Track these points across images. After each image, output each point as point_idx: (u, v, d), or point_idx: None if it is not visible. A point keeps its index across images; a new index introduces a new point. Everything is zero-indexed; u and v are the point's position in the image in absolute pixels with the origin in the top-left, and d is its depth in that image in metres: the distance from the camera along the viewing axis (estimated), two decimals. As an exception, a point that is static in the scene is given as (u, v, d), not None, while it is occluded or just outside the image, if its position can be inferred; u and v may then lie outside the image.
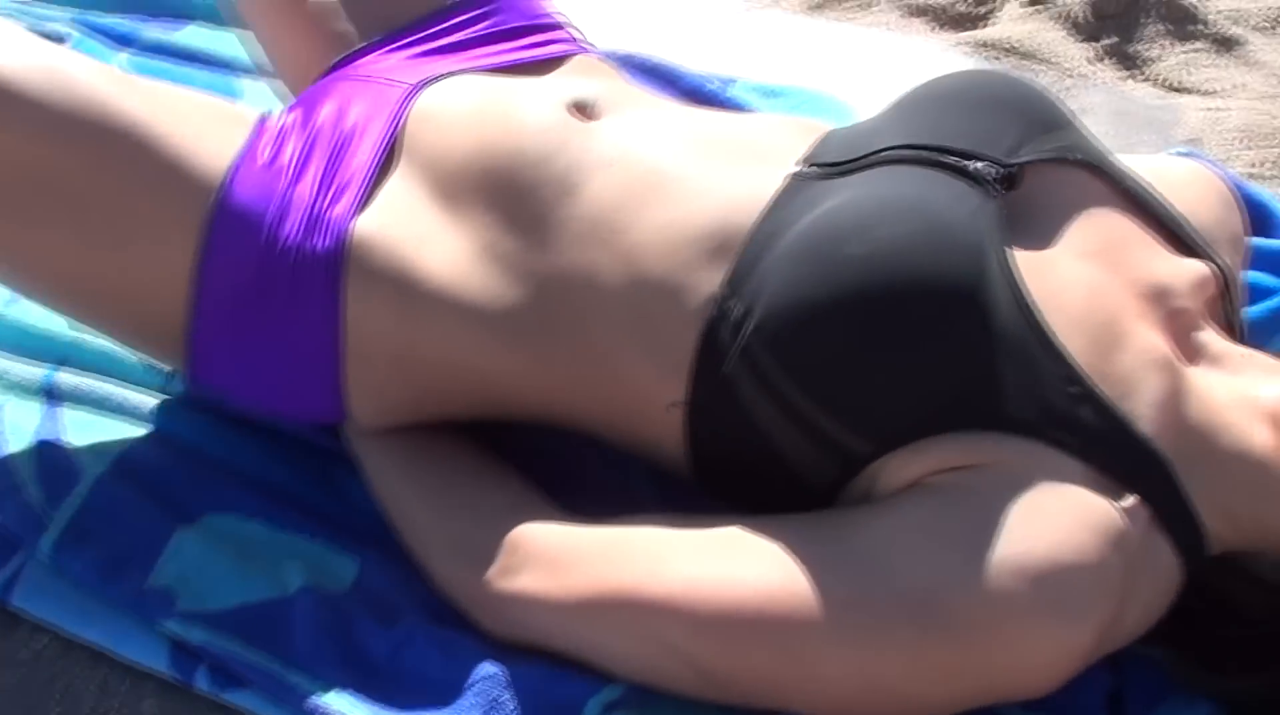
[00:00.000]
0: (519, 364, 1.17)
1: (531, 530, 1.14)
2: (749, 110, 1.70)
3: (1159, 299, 1.11)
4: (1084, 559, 0.98)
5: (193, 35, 1.85)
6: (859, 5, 1.97)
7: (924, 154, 1.13)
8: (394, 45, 1.38)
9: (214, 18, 1.87)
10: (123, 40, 1.83)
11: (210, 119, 1.26)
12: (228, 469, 1.30)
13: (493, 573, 1.13)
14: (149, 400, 1.35)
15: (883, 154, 1.14)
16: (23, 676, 1.17)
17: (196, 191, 1.19)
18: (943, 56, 1.86)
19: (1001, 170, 1.12)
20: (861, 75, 1.84)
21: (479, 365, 1.19)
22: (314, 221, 1.20)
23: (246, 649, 1.15)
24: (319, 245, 1.19)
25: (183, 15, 1.88)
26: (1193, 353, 1.11)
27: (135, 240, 1.19)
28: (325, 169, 1.23)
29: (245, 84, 1.78)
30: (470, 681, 1.11)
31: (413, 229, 1.20)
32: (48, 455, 1.29)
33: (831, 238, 1.07)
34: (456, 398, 1.22)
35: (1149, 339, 1.08)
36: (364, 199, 1.21)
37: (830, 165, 1.15)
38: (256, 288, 1.19)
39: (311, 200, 1.21)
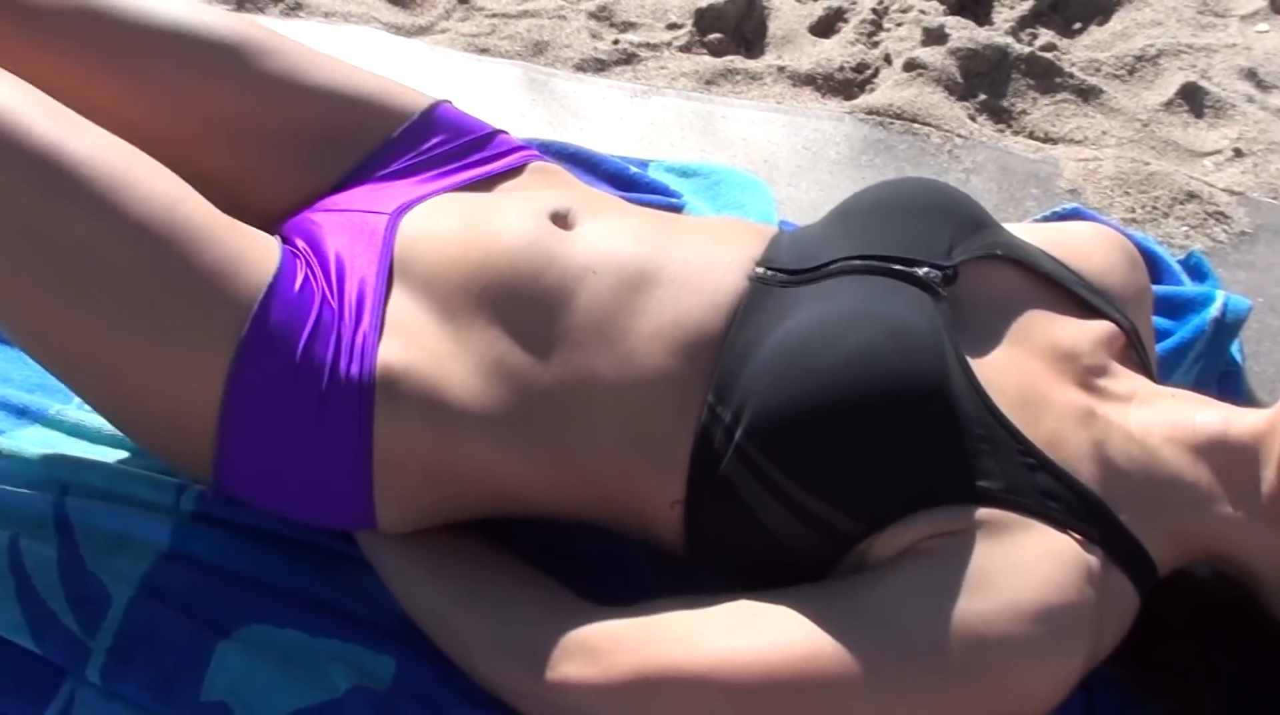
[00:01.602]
0: (535, 471, 1.26)
1: (568, 620, 1.22)
2: (672, 193, 1.81)
3: (1071, 360, 1.27)
4: (1067, 597, 1.13)
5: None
6: (747, 79, 2.09)
7: (875, 264, 1.26)
8: (356, 182, 1.45)
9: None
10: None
11: (254, 232, 1.31)
12: (251, 581, 1.35)
13: (535, 666, 1.21)
14: (161, 521, 1.38)
15: (838, 264, 1.27)
16: (97, 800, 1.22)
17: (240, 301, 1.24)
18: (840, 126, 1.99)
19: (942, 273, 1.26)
20: (767, 150, 1.96)
21: (500, 473, 1.27)
22: (340, 345, 1.26)
23: (309, 753, 1.22)
24: (351, 370, 1.25)
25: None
26: (1108, 399, 1.26)
27: (174, 340, 1.24)
28: (335, 296, 1.30)
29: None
30: (526, 765, 1.20)
31: (429, 351, 1.27)
32: (75, 582, 1.33)
33: (808, 347, 1.19)
34: (478, 501, 1.30)
35: (1067, 397, 1.23)
36: (380, 323, 1.28)
37: (789, 273, 1.27)
38: (287, 403, 1.25)
39: (337, 324, 1.27)
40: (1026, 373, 1.24)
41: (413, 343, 1.28)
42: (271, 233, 1.41)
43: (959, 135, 1.96)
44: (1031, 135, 2.03)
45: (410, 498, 1.29)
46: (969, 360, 1.21)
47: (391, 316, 1.30)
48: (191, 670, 1.27)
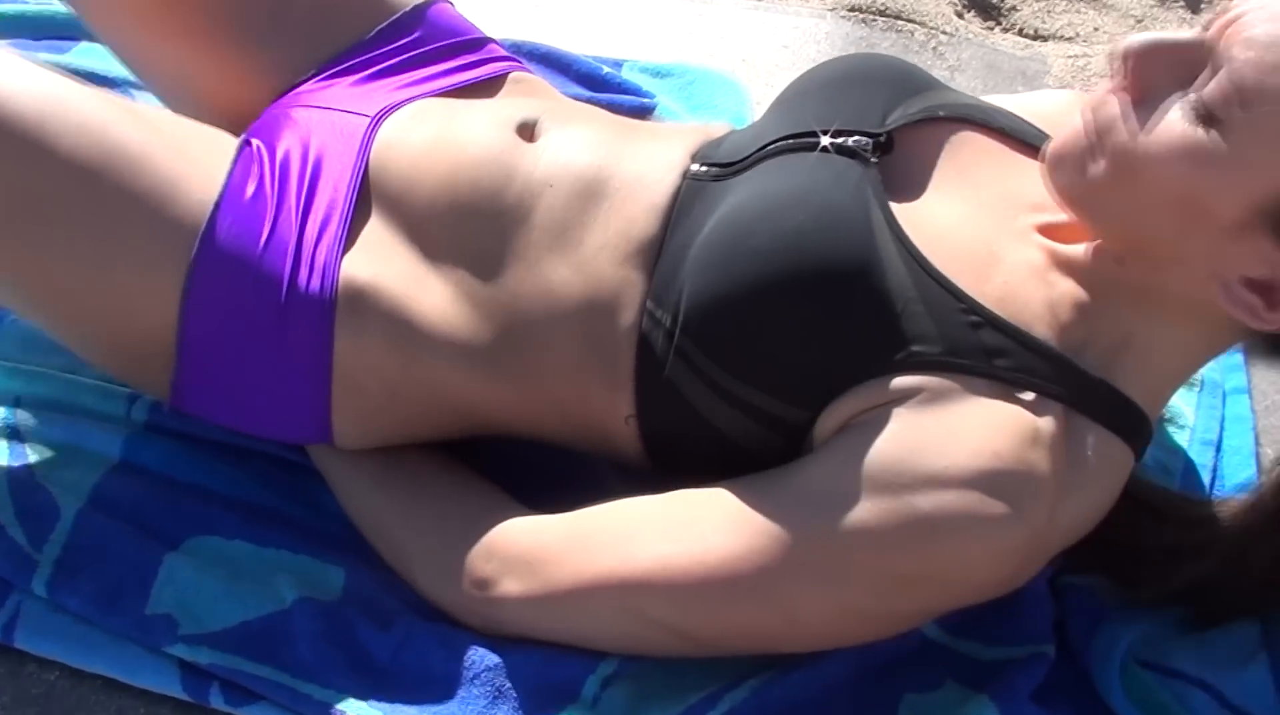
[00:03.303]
0: (498, 390, 1.25)
1: (504, 534, 1.22)
2: (644, 94, 1.77)
3: (1031, 211, 1.21)
4: (1003, 464, 1.08)
5: (83, 54, 1.84)
6: (729, -25, 2.04)
7: (802, 141, 1.23)
8: (333, 72, 1.42)
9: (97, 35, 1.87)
10: (14, 65, 1.82)
11: (201, 145, 1.29)
12: (201, 492, 1.33)
13: (473, 583, 1.21)
14: (113, 431, 1.37)
15: (766, 149, 1.24)
16: (40, 712, 1.21)
17: (185, 219, 1.23)
18: (820, 23, 1.93)
19: (872, 140, 1.22)
20: (745, 49, 1.91)
21: (463, 393, 1.26)
22: (300, 258, 1.24)
23: (255, 664, 1.21)
24: (310, 286, 1.24)
25: (69, 36, 1.88)
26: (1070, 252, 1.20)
27: (124, 265, 1.23)
28: (300, 202, 1.28)
29: (143, 98, 1.79)
30: (473, 674, 1.19)
31: (395, 268, 1.26)
32: (24, 495, 1.31)
33: (733, 236, 1.17)
34: (440, 422, 1.29)
35: (1022, 253, 1.18)
36: (345, 237, 1.26)
37: (722, 166, 1.25)
38: (244, 319, 1.24)
39: (297, 236, 1.25)
40: (977, 229, 1.19)
41: (379, 258, 1.26)
42: (248, 121, 1.40)
43: (944, 32, 1.91)
44: (1020, 32, 1.97)
45: (370, 416, 1.28)
46: (904, 226, 1.16)
47: (359, 229, 1.28)
48: (137, 583, 1.26)
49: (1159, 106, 1.07)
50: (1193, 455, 1.43)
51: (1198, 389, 1.49)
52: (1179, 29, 1.11)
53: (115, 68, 1.81)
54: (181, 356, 1.25)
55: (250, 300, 1.24)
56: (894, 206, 1.18)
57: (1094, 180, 1.11)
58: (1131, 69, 1.08)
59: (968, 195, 1.22)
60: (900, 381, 1.12)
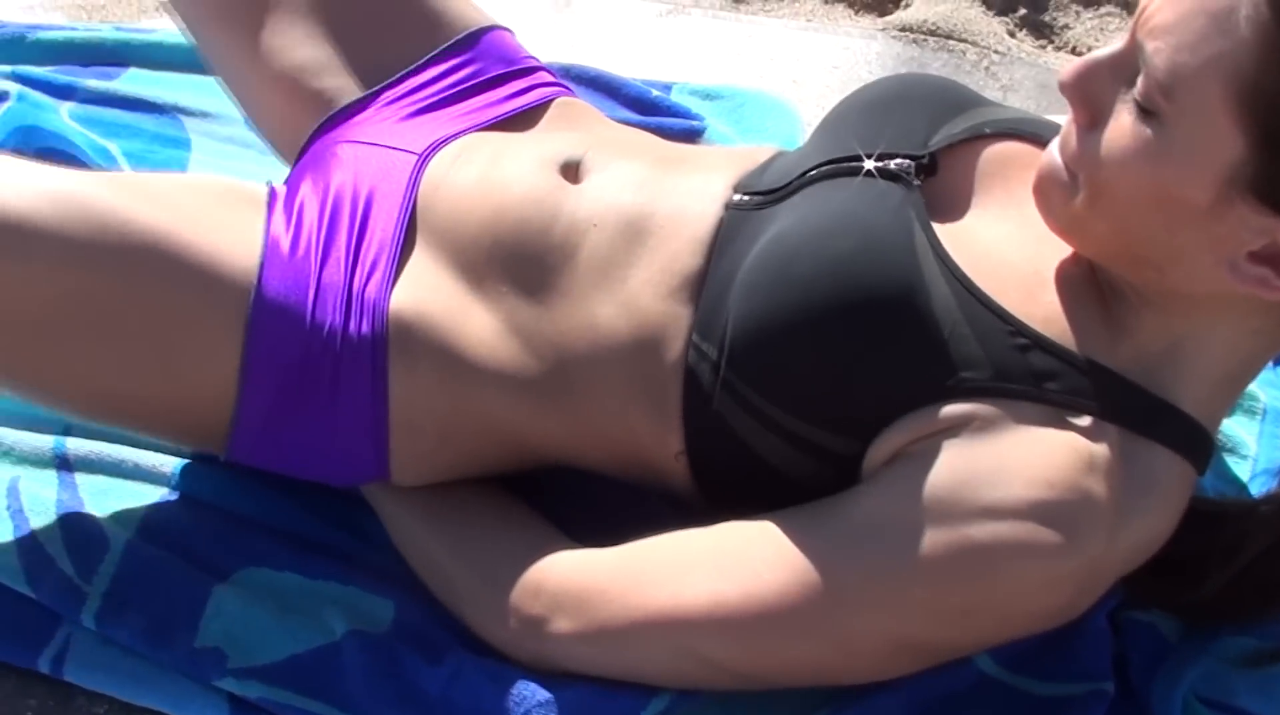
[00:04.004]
0: (549, 424, 1.24)
1: (554, 569, 1.20)
2: (694, 117, 1.75)
3: None
4: (1057, 494, 1.06)
5: (132, 80, 1.85)
6: (778, -2, 2.03)
7: (844, 166, 1.21)
8: (385, 102, 1.41)
9: (150, 60, 1.88)
10: (63, 92, 1.82)
11: (227, 210, 1.28)
12: (251, 524, 1.33)
13: (523, 620, 1.19)
14: (162, 461, 1.37)
15: (808, 175, 1.22)
16: (89, 747, 1.21)
17: (232, 292, 1.22)
18: (871, 44, 1.92)
19: (915, 162, 1.20)
20: (795, 71, 1.90)
21: (515, 428, 1.25)
22: (350, 303, 1.24)
23: (304, 699, 1.20)
24: (361, 329, 1.23)
25: (118, 61, 1.89)
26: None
27: (179, 352, 1.22)
28: (350, 245, 1.27)
29: (192, 125, 1.80)
30: (524, 710, 1.17)
31: (443, 304, 1.25)
32: (73, 526, 1.31)
33: (777, 265, 1.15)
34: (492, 458, 1.29)
35: (1067, 270, 1.16)
36: (393, 275, 1.26)
37: (764, 194, 1.23)
38: (301, 375, 1.23)
39: (346, 282, 1.25)
40: (1022, 249, 1.17)
41: (427, 296, 1.26)
42: (304, 129, 1.40)
43: (996, 51, 1.89)
44: (1074, 50, 1.95)
45: (427, 456, 1.27)
46: (950, 247, 1.14)
47: (409, 268, 1.28)
48: (187, 615, 1.25)
49: (1109, 119, 1.06)
50: (1255, 486, 1.40)
51: (1260, 418, 1.46)
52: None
53: (165, 94, 1.83)
54: (239, 420, 1.24)
55: (305, 353, 1.23)
56: (938, 228, 1.16)
57: (1075, 209, 1.10)
58: (1071, 98, 1.08)
59: (1012, 214, 1.20)
60: (950, 410, 1.10)
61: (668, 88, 1.83)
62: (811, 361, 1.13)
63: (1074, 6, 2.00)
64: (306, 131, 1.42)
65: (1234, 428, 1.44)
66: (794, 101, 1.81)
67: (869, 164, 1.21)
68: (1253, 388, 1.42)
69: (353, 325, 1.23)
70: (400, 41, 1.44)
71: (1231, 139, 1.01)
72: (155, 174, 1.32)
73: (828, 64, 1.88)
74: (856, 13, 2.00)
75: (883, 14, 1.99)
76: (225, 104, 1.78)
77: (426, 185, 1.31)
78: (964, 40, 1.90)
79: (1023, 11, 1.99)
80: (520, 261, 1.25)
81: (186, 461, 1.37)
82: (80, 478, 1.36)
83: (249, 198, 1.31)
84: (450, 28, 1.45)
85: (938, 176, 1.21)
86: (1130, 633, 1.25)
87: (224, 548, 1.30)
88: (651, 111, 1.76)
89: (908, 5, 1.99)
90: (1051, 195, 1.12)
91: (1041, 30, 1.99)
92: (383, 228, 1.29)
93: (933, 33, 1.91)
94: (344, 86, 1.43)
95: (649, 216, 1.24)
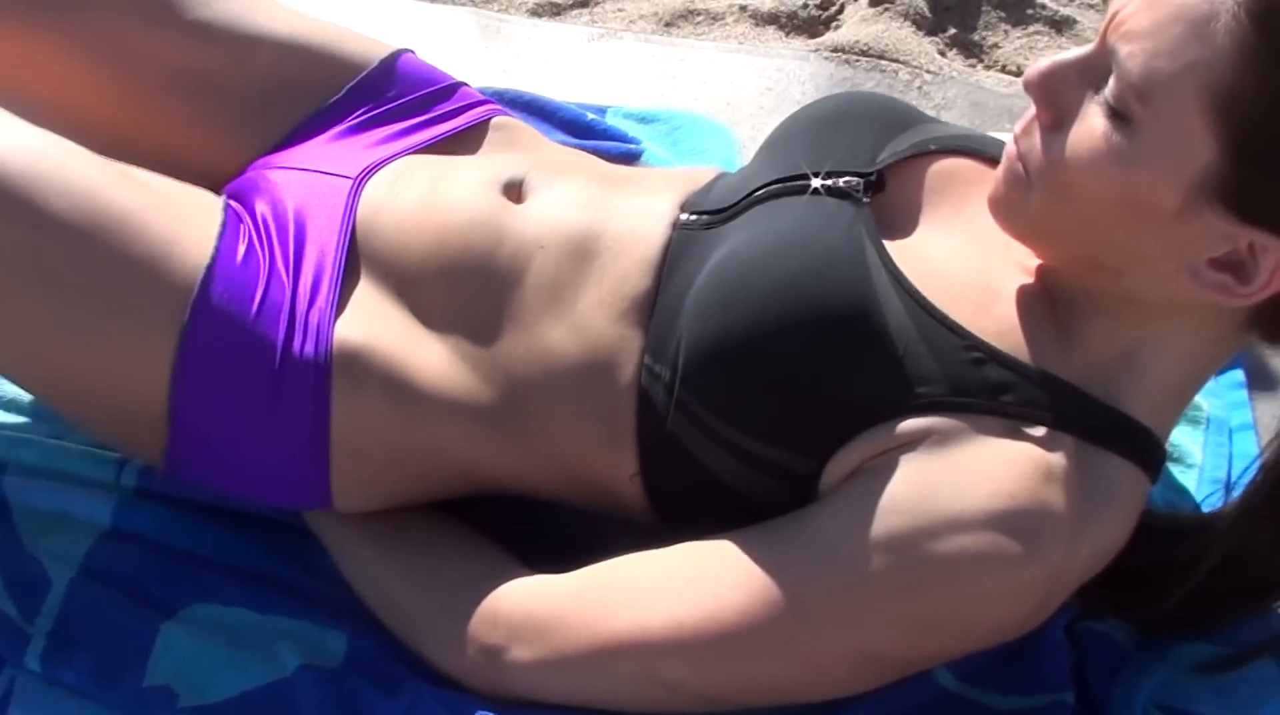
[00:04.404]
0: (500, 452, 1.23)
1: (510, 597, 1.19)
2: (630, 140, 1.75)
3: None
4: (1018, 504, 1.06)
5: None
6: (709, 19, 2.03)
7: (791, 185, 1.21)
8: (313, 133, 1.40)
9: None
10: None
11: (193, 207, 1.26)
12: (196, 559, 1.30)
13: (481, 649, 1.18)
14: (102, 498, 1.33)
15: (756, 194, 1.22)
16: (36, 793, 1.17)
17: (176, 283, 1.20)
18: (804, 65, 1.92)
19: (864, 179, 1.20)
20: (729, 93, 1.90)
21: (464, 454, 1.23)
22: (294, 323, 1.22)
23: (258, 736, 1.18)
24: (305, 350, 1.21)
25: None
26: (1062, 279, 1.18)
27: (115, 329, 1.20)
28: (290, 266, 1.25)
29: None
30: (485, 740, 1.16)
31: (391, 333, 1.23)
32: (12, 566, 1.28)
33: (729, 284, 1.15)
34: (443, 483, 1.27)
35: (1018, 283, 1.17)
36: (335, 301, 1.24)
37: (711, 213, 1.23)
38: (238, 386, 1.21)
39: (290, 301, 1.23)
40: (971, 263, 1.18)
41: (372, 320, 1.24)
42: (219, 189, 1.36)
43: (928, 71, 1.90)
44: (1004, 69, 1.97)
45: (372, 481, 1.25)
46: (900, 263, 1.14)
47: (350, 292, 1.26)
48: (135, 654, 1.22)
49: (1076, 121, 1.06)
50: (1200, 494, 1.42)
51: (1204, 427, 1.48)
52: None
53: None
54: (174, 424, 1.22)
55: (244, 366, 1.21)
56: (888, 245, 1.17)
57: (1036, 211, 1.11)
58: (1036, 97, 1.08)
59: (960, 229, 1.21)
60: (907, 425, 1.10)
61: (602, 111, 1.82)
62: (766, 380, 1.12)
63: (1002, 26, 2.02)
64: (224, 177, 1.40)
65: (1179, 438, 1.45)
66: (729, 123, 1.81)
67: (816, 183, 1.21)
68: (1196, 398, 1.43)
69: (295, 345, 1.21)
70: (314, 86, 1.42)
71: (1203, 145, 1.01)
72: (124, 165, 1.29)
73: (761, 86, 1.88)
74: (787, 35, 2.01)
75: (813, 35, 2.00)
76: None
77: (365, 209, 1.29)
78: (896, 60, 1.91)
79: (952, 31, 2.01)
80: (467, 286, 1.24)
81: (126, 498, 1.34)
82: (18, 517, 1.32)
83: (210, 202, 1.29)
84: (355, 64, 1.43)
85: (885, 193, 1.21)
86: (1087, 643, 1.26)
87: (170, 584, 1.27)
88: (587, 135, 1.75)
89: (838, 26, 2.00)
90: (1010, 199, 1.12)
91: (971, 49, 2.00)
92: (319, 252, 1.27)
93: (865, 53, 1.92)
94: (262, 137, 1.40)
95: (596, 237, 1.23)
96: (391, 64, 1.44)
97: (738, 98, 1.87)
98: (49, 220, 1.17)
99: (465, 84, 1.48)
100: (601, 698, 1.16)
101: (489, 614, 1.18)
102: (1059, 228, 1.11)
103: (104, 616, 1.24)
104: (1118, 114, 1.03)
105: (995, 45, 2.00)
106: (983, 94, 1.88)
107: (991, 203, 1.14)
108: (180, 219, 1.23)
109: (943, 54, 1.97)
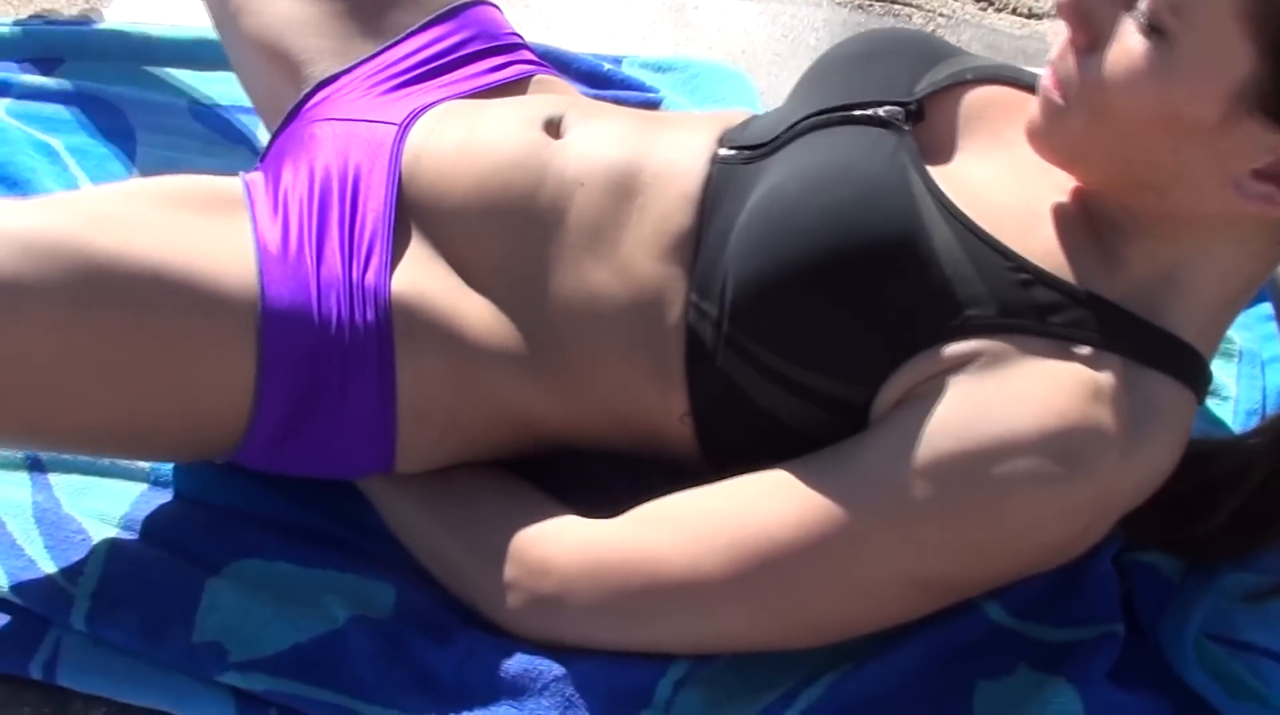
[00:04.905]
0: (551, 399, 1.22)
1: (561, 545, 1.18)
2: (648, 89, 1.74)
3: None
4: (1068, 422, 1.06)
5: (69, 73, 1.79)
6: (720, -33, 2.02)
7: (833, 116, 1.21)
8: (364, 76, 1.38)
9: (85, 53, 1.82)
10: (-1, 89, 1.78)
11: (211, 221, 1.22)
12: (237, 515, 1.30)
13: (533, 597, 1.17)
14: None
15: (797, 127, 1.21)
16: (90, 750, 1.17)
17: (238, 309, 1.17)
18: (817, 11, 1.91)
19: (904, 108, 1.20)
20: (744, 40, 1.89)
21: (519, 406, 1.23)
22: (353, 294, 1.20)
23: (313, 688, 1.17)
24: (366, 317, 1.20)
25: (53, 56, 1.83)
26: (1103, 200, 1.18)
27: (194, 380, 1.18)
28: (344, 231, 1.23)
29: (135, 118, 1.74)
30: (541, 685, 1.15)
31: (440, 284, 1.22)
32: (52, 528, 1.27)
33: (775, 217, 1.14)
34: (498, 441, 1.26)
35: (1063, 206, 1.16)
36: (389, 259, 1.22)
37: (751, 148, 1.22)
38: (313, 376, 1.19)
39: (345, 273, 1.21)
40: (1014, 187, 1.18)
41: (424, 273, 1.23)
42: (290, 99, 1.37)
43: (941, 14, 1.89)
44: (1015, 12, 1.96)
45: (433, 445, 1.24)
46: (944, 188, 1.14)
47: (402, 245, 1.24)
48: (181, 611, 1.21)
49: (1111, 41, 1.06)
50: (1237, 426, 1.42)
51: (1237, 360, 1.48)
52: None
53: (104, 87, 1.76)
54: (253, 430, 1.20)
55: (316, 353, 1.19)
56: (932, 172, 1.16)
57: (1075, 135, 1.10)
58: (1069, 18, 1.08)
59: (1001, 154, 1.21)
60: (956, 347, 1.10)
61: (618, 61, 1.80)
62: (817, 311, 1.12)
63: (1012, -32, 2.02)
64: (286, 101, 1.39)
65: (1215, 372, 1.45)
66: (747, 71, 1.80)
67: (858, 113, 1.20)
68: (1228, 331, 1.43)
69: (358, 315, 1.20)
70: (386, 9, 1.41)
71: (1241, 54, 1.01)
72: (123, 194, 1.24)
73: (775, 33, 1.87)
74: (801, -20, 2.00)
75: (825, -19, 1.99)
76: (167, 94, 1.77)
77: (409, 154, 1.28)
78: (909, 4, 1.90)
79: (964, -26, 2.00)
80: (509, 227, 1.23)
81: (163, 457, 1.33)
82: (54, 478, 1.32)
83: (226, 199, 1.26)
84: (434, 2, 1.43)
85: (925, 122, 1.21)
86: (1134, 575, 1.26)
87: (212, 541, 1.27)
88: (605, 85, 1.74)
89: (849, -27, 1.99)
90: (1048, 126, 1.12)
91: (983, -8, 2.00)
92: (374, 207, 1.25)
93: (878, -2, 1.91)
94: (324, 48, 1.39)
95: (636, 173, 1.22)
96: (464, 8, 1.43)
97: (752, 46, 1.86)
98: (88, 310, 1.13)
99: (528, 45, 1.48)
100: (655, 640, 1.16)
101: (538, 562, 1.18)
102: (1099, 150, 1.11)
103: (147, 575, 1.23)
104: (1152, 29, 1.03)
105: (1008, -13, 2.00)
106: (996, 37, 1.87)
107: (1029, 131, 1.14)
108: (210, 248, 1.19)
109: (954, -2, 1.97)
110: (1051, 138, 1.13)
